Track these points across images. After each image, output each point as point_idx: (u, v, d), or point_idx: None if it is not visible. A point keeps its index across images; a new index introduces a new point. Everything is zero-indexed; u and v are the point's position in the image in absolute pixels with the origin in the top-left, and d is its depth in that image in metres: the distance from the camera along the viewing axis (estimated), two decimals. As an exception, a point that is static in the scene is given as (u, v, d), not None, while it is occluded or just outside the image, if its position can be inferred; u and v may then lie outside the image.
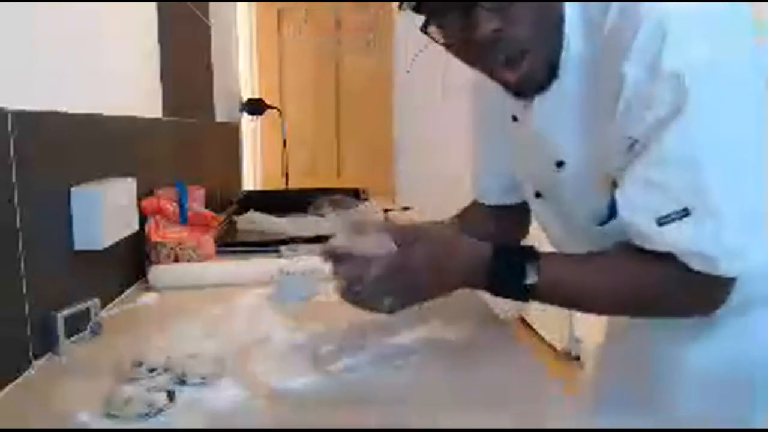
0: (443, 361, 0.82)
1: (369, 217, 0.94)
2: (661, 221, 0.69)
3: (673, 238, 0.69)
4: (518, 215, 1.02)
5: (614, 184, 0.75)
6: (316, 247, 1.36)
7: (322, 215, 1.79)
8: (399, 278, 0.76)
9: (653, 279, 0.73)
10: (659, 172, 0.69)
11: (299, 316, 0.99)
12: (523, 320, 3.48)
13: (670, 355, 0.87)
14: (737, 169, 0.69)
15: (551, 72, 0.76)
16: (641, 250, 0.72)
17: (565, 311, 2.95)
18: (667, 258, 0.70)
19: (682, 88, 0.66)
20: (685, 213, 0.68)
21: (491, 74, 0.78)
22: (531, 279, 0.74)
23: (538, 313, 3.32)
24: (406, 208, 2.07)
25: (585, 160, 0.79)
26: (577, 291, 0.77)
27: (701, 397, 0.85)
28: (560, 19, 0.75)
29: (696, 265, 0.69)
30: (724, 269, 0.69)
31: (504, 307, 0.97)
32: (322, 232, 1.54)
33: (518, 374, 0.79)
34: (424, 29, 0.75)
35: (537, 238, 0.95)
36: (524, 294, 0.75)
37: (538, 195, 0.91)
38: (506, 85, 0.79)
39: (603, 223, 0.79)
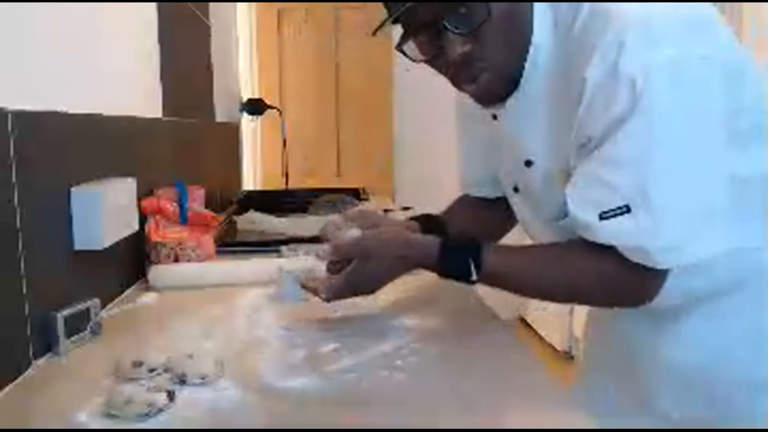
0: (443, 361, 0.82)
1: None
2: (603, 216, 0.73)
3: (614, 232, 0.74)
4: (502, 208, 1.04)
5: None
6: (316, 247, 1.36)
7: (328, 215, 1.79)
8: (357, 281, 0.90)
9: (592, 268, 0.79)
10: (607, 169, 0.73)
11: (299, 316, 0.99)
12: (523, 320, 3.48)
13: (646, 348, 0.91)
14: (684, 171, 0.72)
15: (510, 85, 0.83)
16: (586, 243, 0.77)
17: (566, 312, 2.95)
18: (608, 250, 0.75)
19: (636, 91, 0.69)
20: (626, 209, 0.72)
21: (454, 84, 0.85)
22: (475, 275, 0.81)
23: (538, 313, 3.32)
24: (406, 208, 2.07)
25: (551, 159, 0.83)
26: (519, 280, 0.84)
27: (677, 388, 0.88)
28: (526, 36, 0.79)
29: (633, 257, 0.74)
30: (659, 262, 0.74)
31: (504, 307, 0.98)
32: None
33: (518, 374, 0.79)
34: (398, 47, 0.83)
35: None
36: (472, 284, 0.83)
37: (516, 189, 0.94)
38: (468, 94, 0.86)
39: (561, 218, 0.83)
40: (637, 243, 0.73)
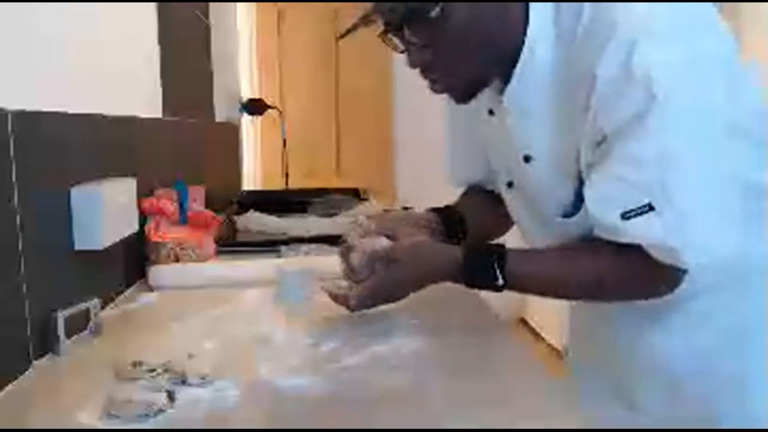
0: (443, 361, 0.82)
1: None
2: (626, 215, 0.72)
3: (640, 232, 0.73)
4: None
5: (580, 179, 0.79)
6: (316, 247, 1.36)
7: (328, 215, 1.79)
8: (384, 293, 0.92)
9: (615, 269, 0.79)
10: (627, 168, 0.72)
11: (299, 315, 0.99)
12: (523, 320, 3.48)
13: (635, 348, 0.91)
14: (703, 168, 0.72)
15: (481, 85, 0.84)
16: (606, 242, 0.76)
17: (565, 311, 2.95)
18: (631, 249, 0.74)
19: (652, 89, 0.69)
20: (649, 208, 0.71)
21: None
22: (500, 279, 0.81)
23: (538, 313, 3.32)
24: (406, 208, 2.07)
25: (552, 156, 0.83)
26: (543, 283, 0.85)
27: (666, 387, 0.88)
28: (504, 38, 0.79)
29: (660, 257, 0.73)
30: (688, 261, 0.73)
31: (504, 307, 0.98)
32: (322, 231, 1.55)
33: (518, 374, 0.79)
34: (380, 36, 0.83)
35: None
36: (497, 289, 0.82)
37: (510, 185, 0.94)
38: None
39: (568, 215, 0.83)
40: (664, 242, 0.72)
